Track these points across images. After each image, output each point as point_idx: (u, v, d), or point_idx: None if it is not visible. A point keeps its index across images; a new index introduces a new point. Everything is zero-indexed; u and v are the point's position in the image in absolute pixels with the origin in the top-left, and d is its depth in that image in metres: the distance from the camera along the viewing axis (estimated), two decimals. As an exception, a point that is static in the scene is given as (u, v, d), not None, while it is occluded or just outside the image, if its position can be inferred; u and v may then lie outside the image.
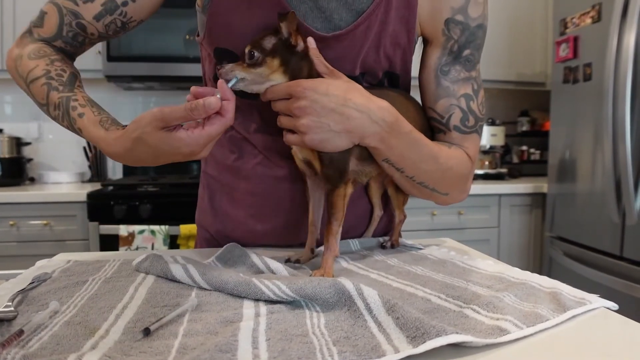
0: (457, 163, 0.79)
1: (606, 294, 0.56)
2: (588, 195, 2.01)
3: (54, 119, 0.74)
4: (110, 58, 2.27)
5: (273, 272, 0.67)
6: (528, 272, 0.67)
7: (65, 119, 0.72)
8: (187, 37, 2.34)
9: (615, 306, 0.56)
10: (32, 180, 2.53)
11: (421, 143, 0.74)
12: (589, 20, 1.96)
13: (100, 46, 2.29)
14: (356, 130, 0.67)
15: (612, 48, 1.75)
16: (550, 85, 2.29)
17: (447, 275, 0.66)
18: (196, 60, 2.32)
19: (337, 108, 0.66)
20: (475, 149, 0.82)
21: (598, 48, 1.89)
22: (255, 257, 0.70)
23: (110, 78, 2.36)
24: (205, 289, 0.59)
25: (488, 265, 0.71)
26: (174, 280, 0.62)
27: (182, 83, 2.57)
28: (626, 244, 1.79)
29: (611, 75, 1.76)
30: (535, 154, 2.82)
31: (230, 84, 0.65)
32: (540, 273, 0.87)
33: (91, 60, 2.31)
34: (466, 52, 0.77)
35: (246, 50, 0.67)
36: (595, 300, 0.56)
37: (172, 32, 2.34)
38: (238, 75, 0.66)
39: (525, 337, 0.46)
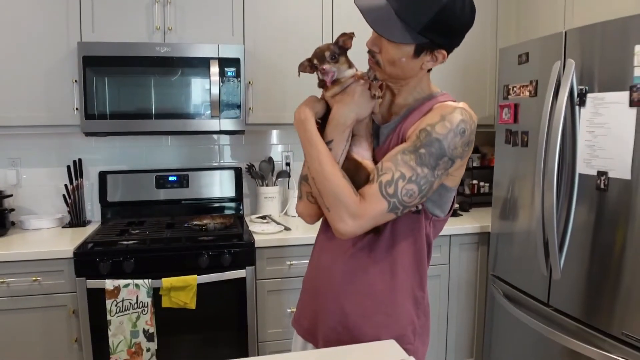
0: (339, 185, 1.05)
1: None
2: (524, 235, 2.21)
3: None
4: (88, 116, 2.38)
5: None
6: None
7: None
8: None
9: None
10: (12, 224, 2.64)
11: (316, 146, 1.08)
12: (527, 93, 2.19)
13: (78, 104, 2.39)
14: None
15: (544, 124, 1.98)
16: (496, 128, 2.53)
17: None
18: (166, 115, 2.46)
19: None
20: (370, 199, 1.05)
21: (534, 119, 2.12)
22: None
23: (88, 134, 2.48)
24: None
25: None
26: None
27: (154, 136, 2.69)
28: (552, 294, 2.03)
29: (542, 151, 1.99)
30: (485, 187, 3.09)
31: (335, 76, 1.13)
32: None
33: (69, 117, 2.42)
34: (422, 150, 1.06)
35: (327, 54, 1.11)
36: None
37: (142, 89, 2.44)
38: (334, 69, 1.12)
39: None
